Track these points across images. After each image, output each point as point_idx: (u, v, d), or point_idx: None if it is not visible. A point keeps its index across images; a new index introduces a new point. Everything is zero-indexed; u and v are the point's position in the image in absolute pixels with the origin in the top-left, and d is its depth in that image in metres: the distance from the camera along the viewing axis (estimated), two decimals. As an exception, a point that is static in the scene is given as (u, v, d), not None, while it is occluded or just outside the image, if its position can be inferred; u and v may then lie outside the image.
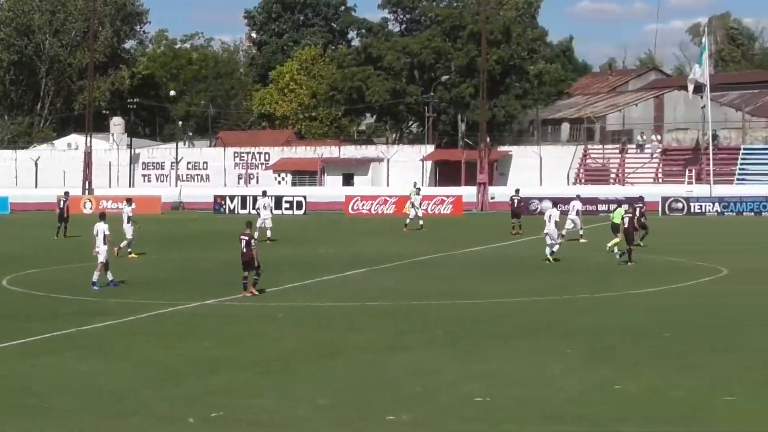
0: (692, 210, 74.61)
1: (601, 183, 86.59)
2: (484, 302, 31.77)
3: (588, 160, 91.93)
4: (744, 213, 73.95)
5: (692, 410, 18.14)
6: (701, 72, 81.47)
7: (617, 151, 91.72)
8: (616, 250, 43.07)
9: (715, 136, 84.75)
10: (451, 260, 45.18)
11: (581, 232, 51.67)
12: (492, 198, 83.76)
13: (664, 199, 74.34)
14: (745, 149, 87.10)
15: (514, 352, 23.36)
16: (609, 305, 31.14)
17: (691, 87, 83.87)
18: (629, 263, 40.92)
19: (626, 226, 41.83)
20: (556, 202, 46.93)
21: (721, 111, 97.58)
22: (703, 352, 23.33)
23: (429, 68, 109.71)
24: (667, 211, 73.47)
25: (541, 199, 76.77)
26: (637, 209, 47.60)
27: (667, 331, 25.87)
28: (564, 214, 49.87)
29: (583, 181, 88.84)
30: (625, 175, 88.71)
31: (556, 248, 42.57)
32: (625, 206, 44.47)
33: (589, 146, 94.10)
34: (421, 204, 64.72)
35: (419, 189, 67.13)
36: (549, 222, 42.56)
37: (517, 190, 60.46)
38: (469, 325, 27.52)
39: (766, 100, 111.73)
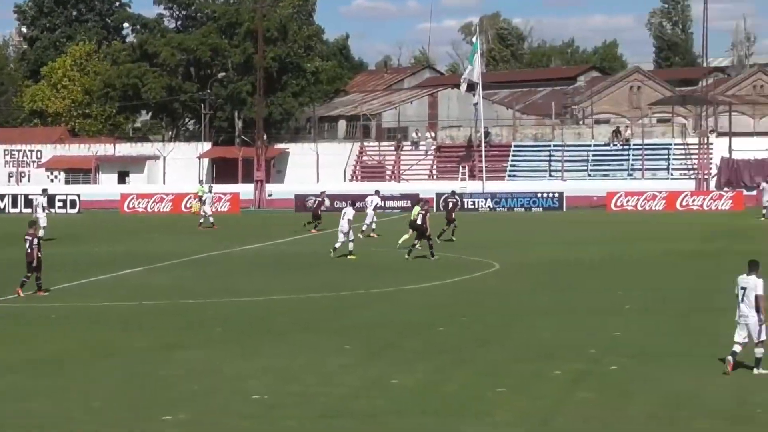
0: (466, 206, 76.13)
1: (377, 180, 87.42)
2: (263, 299, 31.77)
3: (364, 157, 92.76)
4: (515, 209, 75.86)
5: (466, 403, 18.54)
6: (473, 70, 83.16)
7: (393, 148, 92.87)
8: (417, 245, 43.72)
9: (487, 134, 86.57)
10: (229, 258, 45.00)
11: (364, 228, 52.21)
12: (269, 195, 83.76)
13: (439, 195, 75.59)
14: (515, 146, 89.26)
15: (293, 349, 23.44)
16: (385, 301, 31.54)
17: (463, 85, 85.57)
18: (426, 257, 41.86)
19: (419, 222, 42.71)
20: (353, 200, 47.63)
21: (493, 109, 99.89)
22: (476, 345, 23.87)
23: (205, 65, 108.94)
24: (442, 208, 74.68)
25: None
26: (450, 203, 49.36)
27: (441, 326, 26.36)
28: (361, 210, 50.79)
29: (359, 178, 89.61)
30: (401, 171, 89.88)
31: (351, 246, 43.01)
32: (422, 203, 45.45)
33: (365, 143, 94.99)
34: (212, 202, 64.36)
35: (211, 187, 67.10)
36: (342, 219, 43.14)
37: (323, 192, 60.78)
38: (247, 322, 27.49)
39: (535, 99, 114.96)
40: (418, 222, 42.68)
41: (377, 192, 57.54)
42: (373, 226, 52.56)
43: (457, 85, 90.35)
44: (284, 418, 17.55)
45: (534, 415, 17.78)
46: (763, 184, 64.44)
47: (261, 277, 37.41)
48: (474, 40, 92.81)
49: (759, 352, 20.48)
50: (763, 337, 20.44)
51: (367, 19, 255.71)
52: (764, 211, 61.23)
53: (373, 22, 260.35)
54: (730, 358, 20.42)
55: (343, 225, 42.88)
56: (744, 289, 20.67)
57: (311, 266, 40.92)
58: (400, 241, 45.08)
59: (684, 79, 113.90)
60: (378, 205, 53.39)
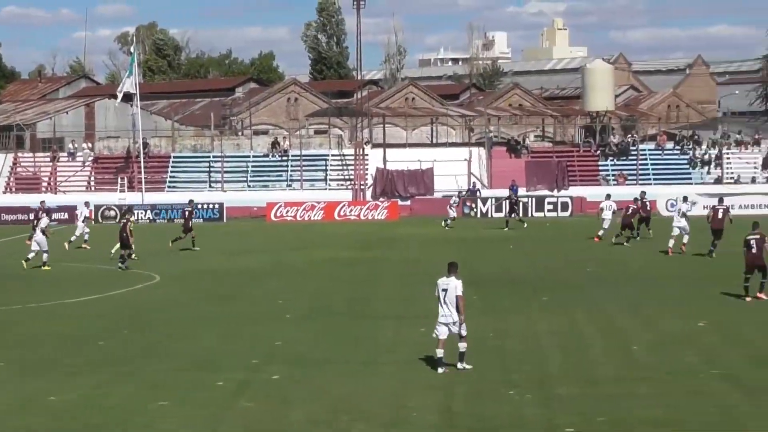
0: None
1: (33, 191, 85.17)
2: None
3: (19, 169, 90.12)
4: (175, 220, 75.38)
5: (127, 417, 18.39)
6: (131, 81, 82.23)
7: (49, 159, 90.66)
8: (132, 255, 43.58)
9: (145, 144, 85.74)
10: None
11: (72, 239, 51.19)
12: None
13: (97, 207, 74.33)
14: (174, 157, 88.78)
15: (-56, 369, 22.57)
16: (42, 315, 30.76)
17: (120, 95, 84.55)
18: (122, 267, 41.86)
19: (120, 231, 43.15)
20: (48, 209, 47.09)
21: (151, 119, 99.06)
22: (139, 358, 23.67)
23: None
24: (101, 219, 73.49)
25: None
26: (187, 212, 52.52)
27: (102, 340, 25.98)
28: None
29: (14, 189, 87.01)
30: (58, 183, 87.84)
31: (45, 257, 42.44)
32: (127, 213, 46.35)
33: (20, 154, 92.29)
34: None
35: None
36: (36, 229, 43.38)
37: (42, 202, 58.90)
38: None
39: (193, 109, 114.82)
40: (120, 231, 43.10)
41: (87, 203, 57.68)
42: (86, 237, 51.91)
43: (115, 96, 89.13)
44: (-64, 440, 16.91)
45: (196, 426, 17.82)
46: (454, 197, 67.59)
47: None
48: (131, 50, 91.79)
49: (462, 346, 21.51)
50: (464, 332, 21.35)
51: (19, 27, 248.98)
52: (448, 221, 62.77)
53: (26, 30, 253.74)
54: (440, 356, 21.31)
55: (37, 234, 42.93)
56: (445, 290, 21.46)
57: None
58: (112, 252, 44.83)
59: (340, 92, 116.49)
60: (87, 216, 53.74)
